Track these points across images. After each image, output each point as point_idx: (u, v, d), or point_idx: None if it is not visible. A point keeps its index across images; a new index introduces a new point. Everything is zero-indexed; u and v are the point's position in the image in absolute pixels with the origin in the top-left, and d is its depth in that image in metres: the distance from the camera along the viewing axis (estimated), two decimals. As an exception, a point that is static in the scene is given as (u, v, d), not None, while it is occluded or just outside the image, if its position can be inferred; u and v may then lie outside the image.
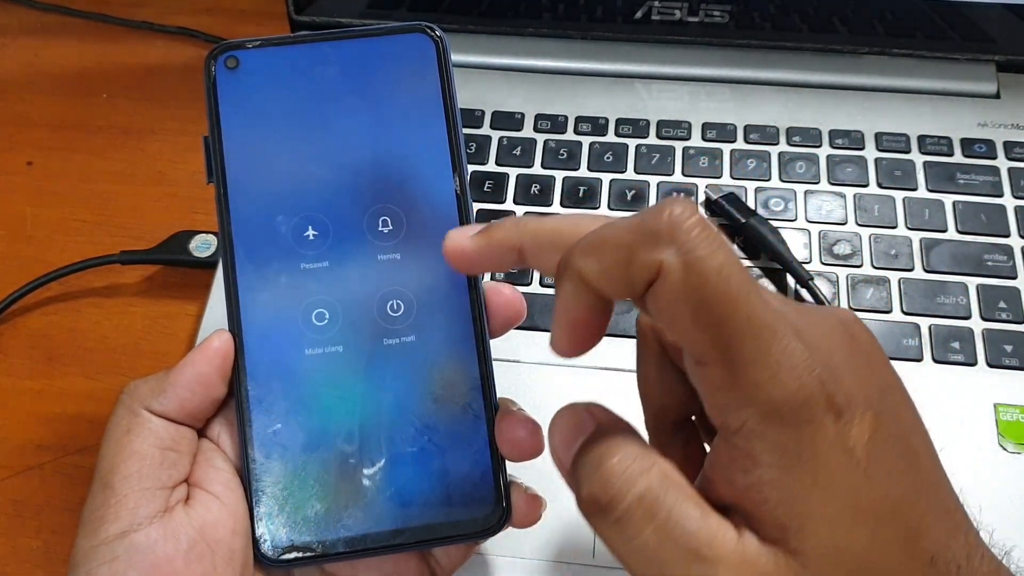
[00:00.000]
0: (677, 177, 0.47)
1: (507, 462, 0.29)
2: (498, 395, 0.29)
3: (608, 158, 0.48)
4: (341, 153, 0.30)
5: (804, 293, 0.42)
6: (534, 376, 0.40)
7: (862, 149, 0.47)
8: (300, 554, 0.28)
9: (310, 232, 0.30)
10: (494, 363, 0.30)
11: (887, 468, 0.22)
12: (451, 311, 0.29)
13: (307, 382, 0.29)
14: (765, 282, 0.43)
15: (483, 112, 0.50)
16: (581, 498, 0.23)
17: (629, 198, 0.46)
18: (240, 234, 0.30)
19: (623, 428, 0.24)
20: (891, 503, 0.21)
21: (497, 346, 0.30)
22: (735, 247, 0.44)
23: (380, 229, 0.30)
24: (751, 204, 0.45)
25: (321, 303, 0.29)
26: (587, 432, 0.24)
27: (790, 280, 0.42)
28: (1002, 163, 0.47)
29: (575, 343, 0.25)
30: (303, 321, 0.29)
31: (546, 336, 0.41)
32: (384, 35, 0.31)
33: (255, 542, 0.28)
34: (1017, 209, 0.45)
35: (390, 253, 0.30)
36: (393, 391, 0.29)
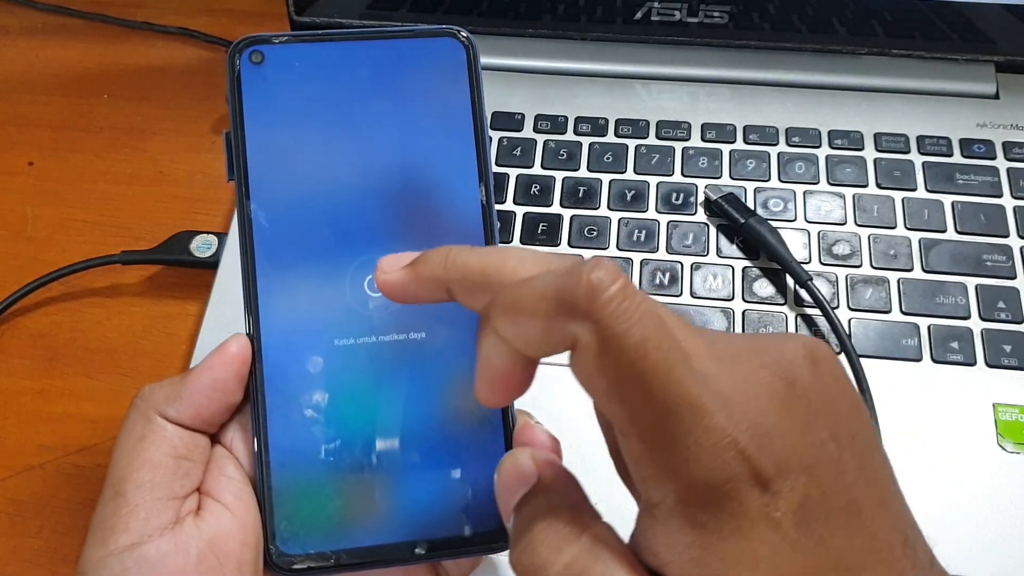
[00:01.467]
0: (676, 178, 0.47)
1: None
2: (516, 407, 0.29)
3: (608, 158, 0.48)
4: (366, 156, 0.29)
5: (803, 293, 0.42)
6: (545, 375, 0.40)
7: (861, 150, 0.48)
8: (313, 564, 0.27)
9: (332, 236, 0.29)
10: None
11: (819, 535, 0.21)
12: (472, 322, 0.29)
13: (325, 390, 0.28)
14: (764, 282, 0.43)
15: (483, 112, 0.50)
16: (511, 559, 0.23)
17: (629, 198, 0.46)
18: (260, 235, 0.29)
19: (562, 486, 0.24)
20: (821, 574, 0.21)
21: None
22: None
23: (404, 235, 0.29)
24: (750, 204, 0.45)
25: (342, 309, 0.29)
26: (528, 484, 0.24)
27: (789, 280, 0.42)
28: (1001, 163, 0.47)
29: (498, 395, 0.24)
30: (323, 327, 0.29)
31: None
32: (413, 37, 0.30)
33: (267, 551, 0.28)
34: (1016, 209, 0.45)
35: None
36: (411, 402, 0.28)
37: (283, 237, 0.29)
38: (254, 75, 0.29)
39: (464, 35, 0.30)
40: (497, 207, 0.46)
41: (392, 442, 0.28)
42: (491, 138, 0.48)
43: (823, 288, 0.42)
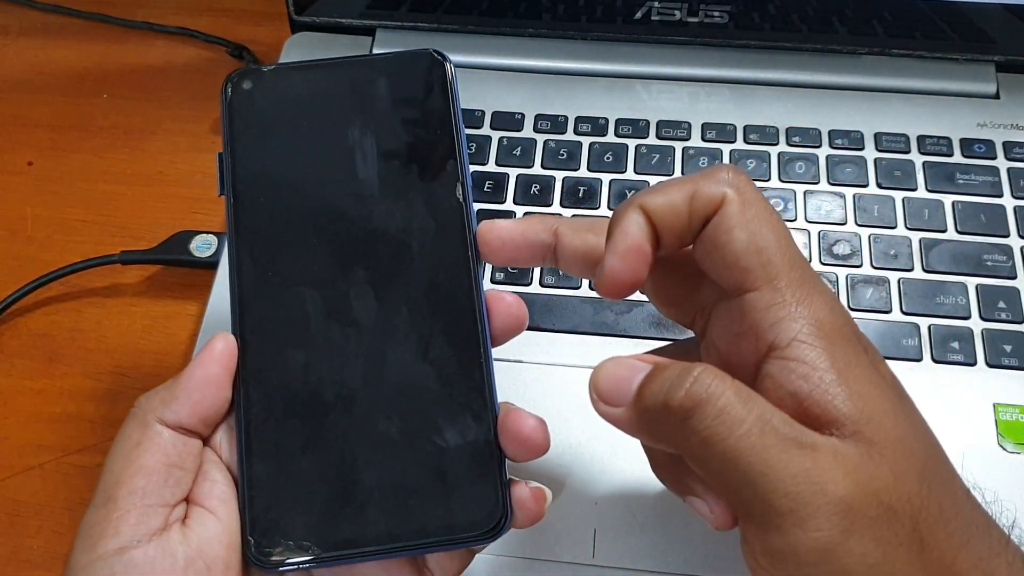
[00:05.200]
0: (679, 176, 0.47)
1: (507, 465, 0.29)
2: (499, 400, 0.29)
3: (608, 158, 0.48)
4: (349, 171, 0.31)
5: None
6: (536, 376, 0.40)
7: (861, 149, 0.48)
8: (292, 556, 0.28)
9: (315, 244, 0.30)
10: (496, 364, 0.29)
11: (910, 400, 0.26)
12: (452, 318, 0.29)
13: (306, 386, 0.29)
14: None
15: (483, 112, 0.50)
16: (673, 407, 0.24)
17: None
18: (246, 245, 0.30)
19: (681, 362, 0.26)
20: (926, 425, 0.26)
21: (499, 347, 0.30)
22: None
23: (384, 241, 0.30)
24: (751, 204, 0.45)
25: (324, 311, 0.30)
26: (645, 370, 0.26)
27: (790, 280, 0.42)
28: (1001, 163, 0.47)
29: (628, 268, 0.27)
30: (304, 328, 0.29)
31: (548, 336, 0.41)
32: (393, 59, 0.32)
33: (244, 544, 0.28)
34: (1016, 209, 0.45)
35: (394, 263, 0.30)
36: (392, 396, 0.29)
37: (267, 247, 0.30)
38: (243, 102, 0.32)
39: (442, 55, 0.32)
40: (497, 207, 0.46)
41: (372, 435, 0.29)
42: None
43: (823, 288, 0.42)
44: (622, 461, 0.37)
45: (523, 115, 0.50)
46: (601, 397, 0.27)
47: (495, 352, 0.30)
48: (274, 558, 0.28)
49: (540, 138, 0.49)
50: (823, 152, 0.48)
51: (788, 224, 0.44)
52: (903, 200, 0.45)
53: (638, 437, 0.27)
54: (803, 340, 0.24)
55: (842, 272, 0.43)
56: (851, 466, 0.23)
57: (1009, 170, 0.46)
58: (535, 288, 0.43)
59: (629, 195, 0.28)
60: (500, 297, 0.30)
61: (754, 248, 0.25)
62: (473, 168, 0.47)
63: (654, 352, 0.33)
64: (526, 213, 0.45)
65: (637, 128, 0.49)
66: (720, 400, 0.23)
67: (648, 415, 0.25)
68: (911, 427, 0.25)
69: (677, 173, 0.47)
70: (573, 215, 0.45)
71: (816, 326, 0.25)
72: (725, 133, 0.48)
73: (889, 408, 0.24)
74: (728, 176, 0.26)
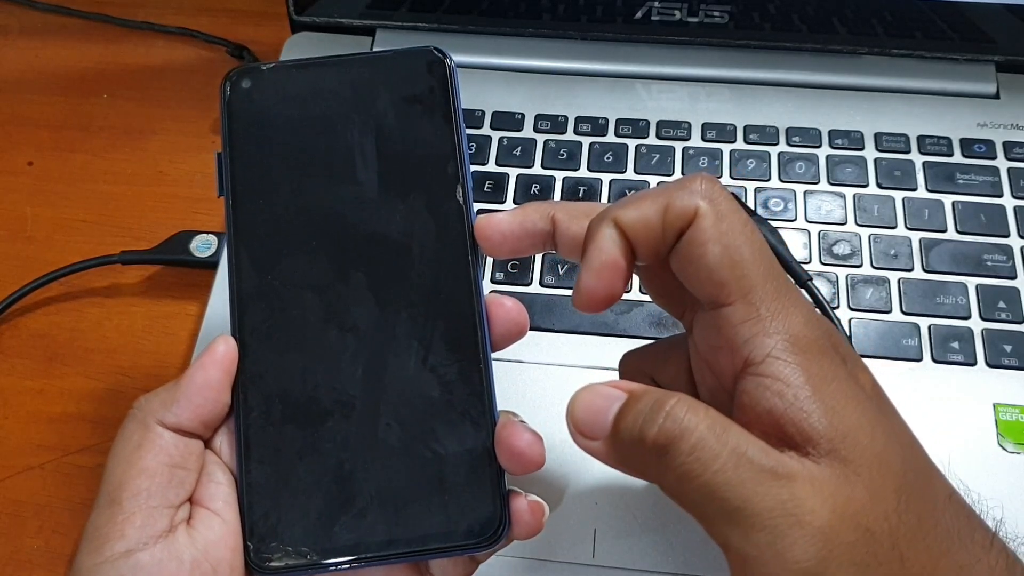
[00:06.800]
0: (677, 177, 0.47)
1: (506, 474, 0.28)
2: (499, 407, 0.29)
3: (608, 158, 0.48)
4: (349, 172, 0.31)
5: (803, 293, 0.42)
6: (536, 376, 0.40)
7: (862, 149, 0.48)
8: (290, 561, 0.28)
9: (315, 246, 0.30)
10: (496, 364, 0.29)
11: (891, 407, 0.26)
12: (452, 323, 0.29)
13: (305, 391, 0.29)
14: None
15: (483, 112, 0.50)
16: (647, 443, 0.24)
17: (629, 198, 0.46)
18: (245, 246, 0.30)
19: (656, 389, 0.25)
20: (907, 432, 0.26)
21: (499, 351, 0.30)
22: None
23: (384, 242, 0.30)
24: (751, 204, 0.45)
25: (323, 314, 0.29)
26: (620, 400, 0.25)
27: (790, 280, 0.42)
28: (1001, 163, 0.47)
29: (604, 284, 0.27)
30: (303, 333, 0.29)
31: (548, 336, 0.41)
32: (393, 57, 0.32)
33: (245, 548, 0.28)
34: (1016, 209, 0.45)
35: (393, 265, 0.30)
36: (391, 400, 0.29)
37: (267, 248, 0.30)
38: (242, 100, 0.32)
39: (443, 53, 0.32)
40: (497, 207, 0.46)
41: (372, 440, 0.28)
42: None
43: (823, 288, 0.42)
44: (622, 461, 0.37)
45: (523, 115, 0.50)
46: (579, 430, 0.26)
47: (495, 354, 0.30)
48: (272, 564, 0.28)
49: (540, 138, 0.49)
50: (823, 152, 0.48)
51: (788, 224, 0.44)
52: (903, 200, 0.45)
53: (619, 470, 0.26)
54: (778, 356, 0.24)
55: (842, 272, 0.43)
56: (828, 492, 0.23)
57: (1009, 170, 0.46)
58: (535, 288, 0.43)
59: (607, 207, 0.27)
60: (500, 302, 0.30)
61: (728, 262, 0.25)
62: (473, 168, 0.47)
63: (644, 349, 0.33)
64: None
65: (637, 128, 0.49)
66: (694, 435, 0.23)
67: (624, 449, 0.25)
68: (888, 439, 0.24)
69: (677, 173, 0.47)
70: (573, 215, 0.45)
71: (791, 341, 0.24)
72: (725, 133, 0.49)
73: (866, 422, 0.24)
74: (701, 187, 0.26)
